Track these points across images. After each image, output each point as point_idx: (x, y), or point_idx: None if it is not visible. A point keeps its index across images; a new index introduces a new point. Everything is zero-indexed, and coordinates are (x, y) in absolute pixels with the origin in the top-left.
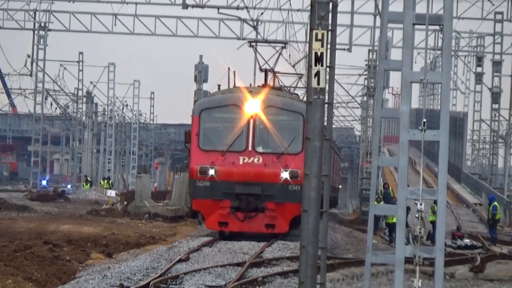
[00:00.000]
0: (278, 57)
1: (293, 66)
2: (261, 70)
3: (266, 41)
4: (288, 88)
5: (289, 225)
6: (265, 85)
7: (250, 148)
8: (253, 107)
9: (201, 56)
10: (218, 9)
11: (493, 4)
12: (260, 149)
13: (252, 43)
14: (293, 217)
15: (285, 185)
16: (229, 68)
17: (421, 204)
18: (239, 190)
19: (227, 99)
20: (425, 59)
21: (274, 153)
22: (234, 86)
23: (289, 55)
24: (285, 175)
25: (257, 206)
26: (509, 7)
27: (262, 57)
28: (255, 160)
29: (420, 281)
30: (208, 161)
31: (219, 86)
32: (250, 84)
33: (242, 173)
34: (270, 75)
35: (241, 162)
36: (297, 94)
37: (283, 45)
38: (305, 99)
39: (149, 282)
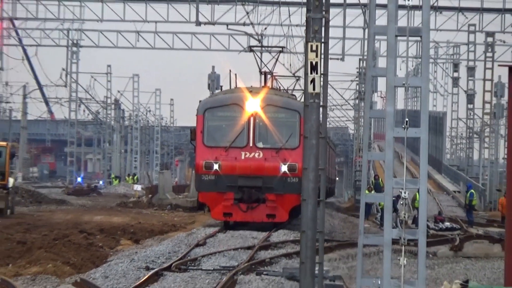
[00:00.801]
0: (276, 60)
1: (294, 74)
2: (260, 72)
3: (264, 47)
4: (287, 90)
5: (288, 214)
6: (264, 86)
7: (251, 144)
8: (253, 106)
9: (213, 67)
10: (227, 25)
11: (467, 17)
12: (260, 144)
13: (253, 48)
14: (292, 207)
15: (284, 177)
16: (230, 71)
17: (405, 193)
18: (241, 183)
19: (229, 99)
20: (406, 66)
21: (274, 148)
22: (236, 87)
23: (290, 63)
24: (284, 168)
25: (259, 198)
26: (480, 20)
27: (261, 60)
28: (256, 155)
29: (406, 260)
30: (212, 156)
31: (221, 87)
32: (251, 86)
33: (244, 167)
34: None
35: (243, 157)
36: (294, 95)
37: (280, 49)
38: (302, 100)
39: (171, 264)
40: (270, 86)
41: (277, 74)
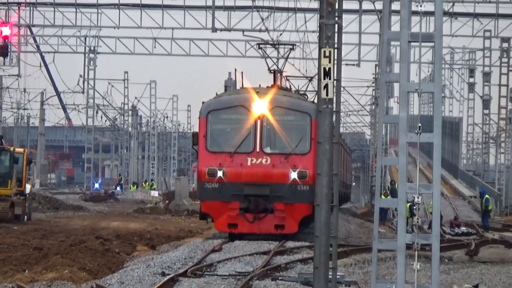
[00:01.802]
0: (287, 59)
1: (305, 76)
2: (270, 71)
3: (274, 44)
4: (298, 91)
5: (298, 225)
6: (273, 85)
7: (258, 149)
8: (260, 107)
9: (229, 73)
10: (243, 32)
11: (482, 23)
12: (268, 149)
13: (261, 45)
14: (303, 217)
15: (293, 185)
16: (235, 70)
17: (418, 198)
18: (247, 191)
19: (234, 100)
20: (419, 72)
21: (282, 153)
22: (242, 87)
23: (305, 69)
24: (293, 175)
25: (266, 207)
26: (496, 25)
27: (270, 58)
28: (263, 161)
29: (419, 264)
30: (216, 163)
31: (225, 87)
32: (259, 85)
33: (251, 174)
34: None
35: (249, 163)
36: (306, 95)
37: (291, 46)
38: (315, 100)
39: (187, 270)
40: (279, 86)
41: (288, 75)
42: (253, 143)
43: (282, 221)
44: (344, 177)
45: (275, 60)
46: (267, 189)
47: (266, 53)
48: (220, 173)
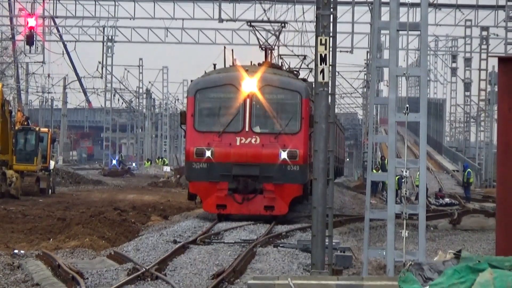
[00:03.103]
0: (278, 36)
1: (307, 65)
2: (261, 48)
3: (264, 21)
4: (291, 69)
5: (288, 206)
6: (264, 62)
7: (247, 129)
8: (249, 86)
9: (234, 59)
10: (247, 22)
11: (463, 13)
12: (257, 129)
13: (252, 23)
14: (293, 198)
15: (283, 165)
16: (225, 47)
17: (406, 171)
18: (236, 171)
19: (222, 79)
20: (406, 58)
21: (272, 133)
22: (233, 65)
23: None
24: (283, 155)
25: (256, 188)
26: (476, 15)
27: (262, 36)
28: (253, 140)
29: (407, 232)
30: (204, 142)
31: (214, 65)
32: (251, 62)
33: (239, 154)
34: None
35: (238, 143)
36: (297, 72)
37: (282, 24)
38: (309, 79)
39: (197, 238)
40: (271, 63)
41: (282, 53)
42: (242, 123)
43: (271, 202)
44: (337, 153)
45: (267, 37)
46: (257, 169)
47: (257, 30)
48: (208, 153)
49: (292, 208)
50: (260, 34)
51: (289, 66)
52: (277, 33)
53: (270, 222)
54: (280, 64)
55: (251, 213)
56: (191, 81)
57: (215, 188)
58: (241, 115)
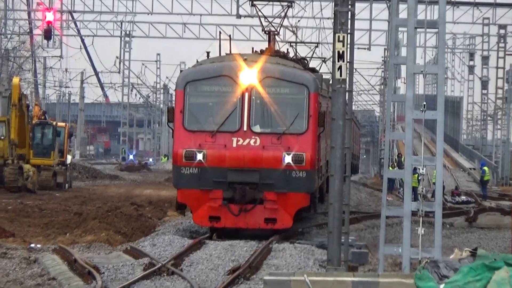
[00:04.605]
0: (283, 18)
1: (325, 61)
2: (264, 31)
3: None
4: (298, 57)
5: (293, 219)
6: (267, 49)
7: (245, 128)
8: (248, 78)
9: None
10: (265, 18)
11: (481, 11)
12: (257, 128)
13: (255, 2)
14: (298, 210)
15: (287, 171)
16: (220, 33)
17: (422, 169)
18: (232, 178)
19: (216, 69)
20: (424, 55)
21: (274, 133)
22: (230, 53)
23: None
24: (287, 159)
25: (255, 197)
26: (494, 13)
27: (265, 17)
28: (252, 142)
29: (423, 229)
30: (195, 143)
31: (208, 53)
32: (252, 49)
33: (236, 158)
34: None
35: (234, 145)
36: (305, 60)
37: (289, 3)
38: (322, 70)
39: (213, 234)
40: (275, 50)
41: (292, 42)
42: (239, 121)
43: (273, 214)
44: (353, 149)
45: (274, 20)
46: (256, 175)
47: (260, 11)
48: (199, 156)
49: (297, 220)
50: (263, 14)
51: (295, 54)
52: (285, 12)
53: (271, 236)
54: (286, 52)
55: (250, 227)
56: (181, 71)
57: (207, 197)
58: (238, 112)
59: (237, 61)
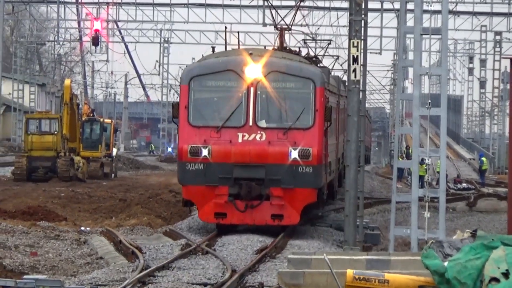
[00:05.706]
0: (295, 14)
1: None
2: (276, 28)
3: None
4: (315, 56)
5: (300, 215)
6: (279, 46)
7: (250, 123)
8: (253, 72)
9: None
10: (288, 26)
11: (479, 20)
12: (263, 123)
13: None
14: (305, 205)
15: (294, 166)
16: (226, 27)
17: (428, 159)
18: (238, 174)
19: (222, 64)
20: (429, 59)
21: (280, 128)
22: (239, 48)
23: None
24: (294, 154)
25: (261, 193)
26: (490, 21)
27: (278, 13)
28: (257, 137)
29: (429, 213)
30: (200, 139)
31: (213, 48)
32: (265, 47)
33: (242, 153)
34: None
35: (240, 140)
36: (314, 57)
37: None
38: (327, 65)
39: (219, 231)
40: (282, 46)
41: (306, 39)
42: (245, 116)
43: (280, 210)
44: (366, 142)
45: (285, 16)
46: (262, 171)
47: (272, 6)
48: (205, 152)
49: (304, 216)
50: (276, 10)
51: (308, 52)
52: (297, 6)
53: (278, 233)
54: (298, 50)
55: (256, 223)
56: (186, 66)
57: (213, 193)
58: (243, 107)
59: (242, 56)
